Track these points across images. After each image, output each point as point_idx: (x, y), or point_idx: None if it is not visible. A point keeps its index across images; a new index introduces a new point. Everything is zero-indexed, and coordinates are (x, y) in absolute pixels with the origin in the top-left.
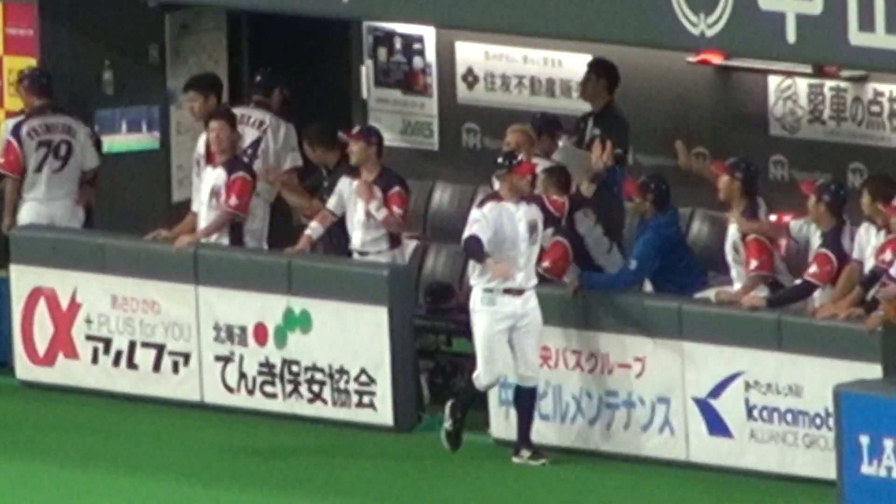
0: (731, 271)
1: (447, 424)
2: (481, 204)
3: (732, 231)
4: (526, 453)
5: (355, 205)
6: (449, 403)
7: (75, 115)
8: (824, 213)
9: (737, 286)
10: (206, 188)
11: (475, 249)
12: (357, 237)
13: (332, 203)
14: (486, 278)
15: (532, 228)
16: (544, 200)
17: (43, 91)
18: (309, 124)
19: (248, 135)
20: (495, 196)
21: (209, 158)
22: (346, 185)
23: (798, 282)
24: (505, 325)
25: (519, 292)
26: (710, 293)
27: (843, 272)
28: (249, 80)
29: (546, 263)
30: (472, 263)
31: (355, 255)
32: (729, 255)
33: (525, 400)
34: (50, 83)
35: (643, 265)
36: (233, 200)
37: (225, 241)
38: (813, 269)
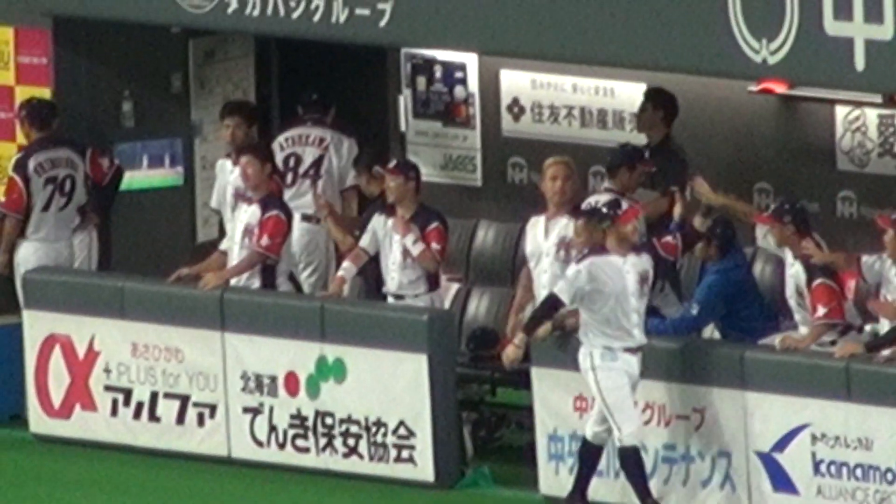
0: (794, 315)
1: None
2: (582, 258)
3: (793, 273)
4: None
5: (391, 244)
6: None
7: (75, 146)
8: None
9: (803, 330)
10: (239, 226)
11: (542, 310)
12: (393, 279)
13: (365, 241)
14: (605, 335)
15: (643, 280)
16: (656, 246)
17: (43, 123)
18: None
19: (309, 154)
20: (600, 249)
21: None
22: (379, 223)
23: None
24: (627, 379)
25: (637, 350)
26: (776, 339)
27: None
28: (304, 99)
29: None
30: (583, 320)
31: (390, 300)
32: (792, 300)
33: (592, 456)
34: (52, 113)
35: (705, 310)
36: (264, 240)
37: (256, 283)
38: None
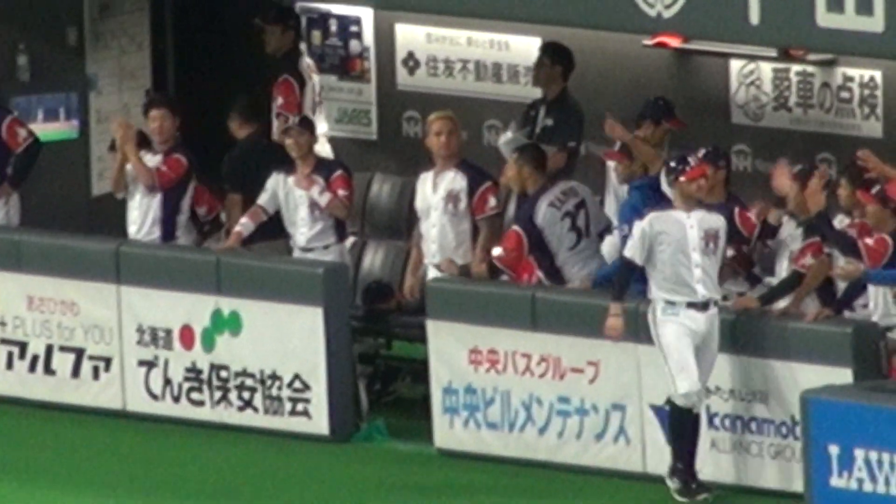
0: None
1: (675, 486)
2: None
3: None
4: (674, 484)
5: (296, 202)
6: (670, 466)
7: None
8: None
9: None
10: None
11: (622, 276)
12: (301, 235)
13: (263, 199)
14: (665, 289)
15: (709, 237)
16: (735, 214)
17: None
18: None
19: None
20: (664, 204)
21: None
22: (280, 181)
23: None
24: (690, 337)
25: (703, 306)
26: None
27: (812, 270)
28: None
29: (498, 251)
30: (648, 275)
31: (298, 254)
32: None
33: (687, 425)
34: None
35: (631, 225)
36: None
37: (156, 234)
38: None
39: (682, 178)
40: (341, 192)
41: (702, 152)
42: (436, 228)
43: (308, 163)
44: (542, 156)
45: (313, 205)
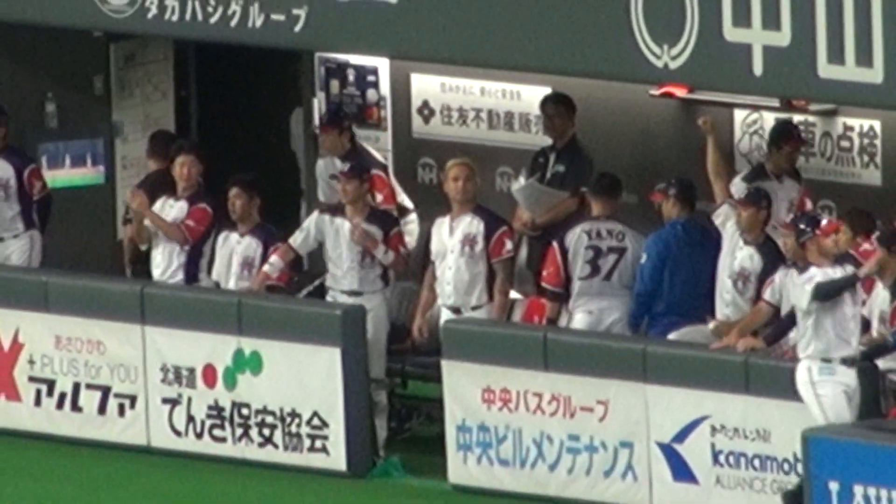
0: (724, 296)
1: None
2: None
3: (743, 257)
4: None
5: (347, 246)
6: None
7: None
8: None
9: (720, 317)
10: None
11: (783, 329)
12: (349, 280)
13: (297, 239)
14: (831, 346)
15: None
16: (855, 256)
17: None
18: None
19: None
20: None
21: None
22: (323, 222)
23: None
24: (847, 396)
25: (853, 363)
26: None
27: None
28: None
29: (544, 274)
30: (801, 333)
31: (343, 298)
32: (729, 281)
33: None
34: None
35: (638, 280)
36: (190, 222)
37: (179, 277)
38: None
39: (819, 235)
40: (403, 251)
41: (744, 193)
42: (451, 270)
43: (360, 210)
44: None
45: (367, 254)
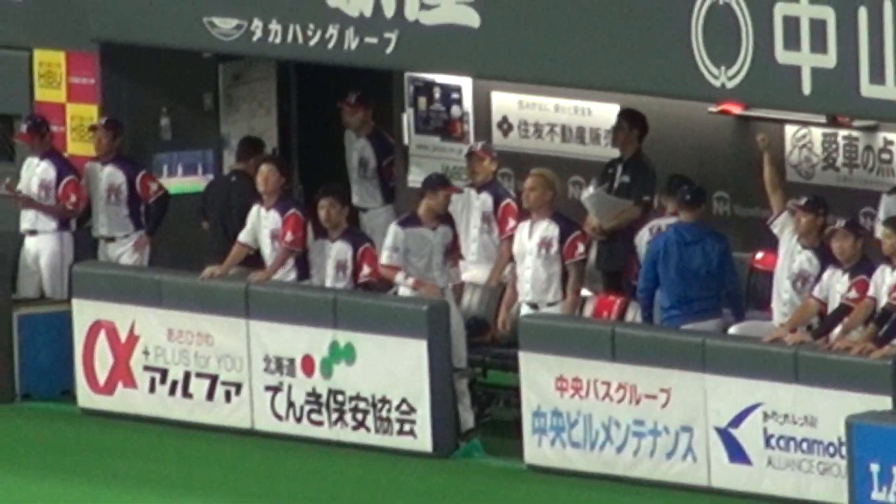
0: (781, 297)
1: None
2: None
3: (801, 260)
4: None
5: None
6: None
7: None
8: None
9: (777, 317)
10: (265, 231)
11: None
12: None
13: (393, 259)
14: None
15: None
16: None
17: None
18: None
19: None
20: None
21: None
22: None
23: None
24: None
25: None
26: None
27: (857, 307)
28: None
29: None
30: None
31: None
32: (788, 282)
33: None
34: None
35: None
36: (289, 237)
37: (292, 276)
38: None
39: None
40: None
41: (803, 200)
42: (530, 270)
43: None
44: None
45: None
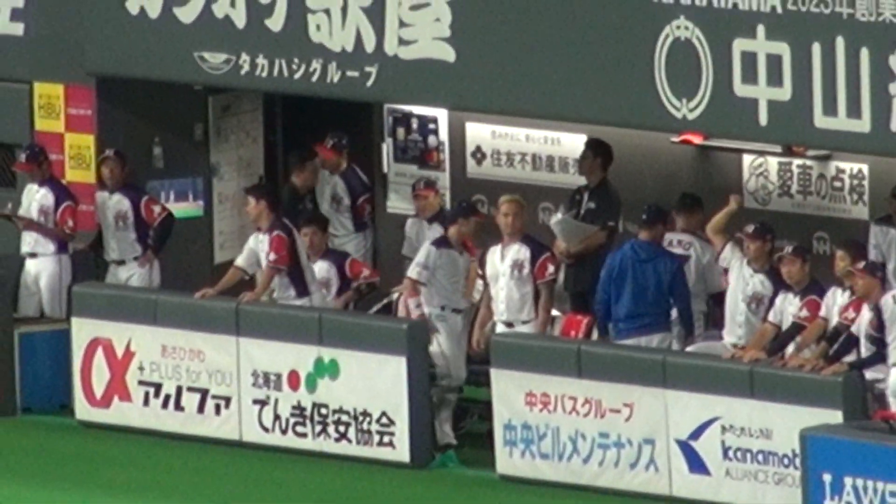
0: (736, 318)
1: None
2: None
3: (756, 282)
4: None
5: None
6: None
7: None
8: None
9: (729, 338)
10: (262, 255)
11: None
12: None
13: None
14: None
15: None
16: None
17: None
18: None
19: None
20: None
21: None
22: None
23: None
24: None
25: None
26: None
27: (809, 326)
28: (284, 156)
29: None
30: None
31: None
32: (743, 304)
33: None
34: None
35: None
36: (272, 256)
37: (292, 293)
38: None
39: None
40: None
41: (751, 228)
42: (504, 291)
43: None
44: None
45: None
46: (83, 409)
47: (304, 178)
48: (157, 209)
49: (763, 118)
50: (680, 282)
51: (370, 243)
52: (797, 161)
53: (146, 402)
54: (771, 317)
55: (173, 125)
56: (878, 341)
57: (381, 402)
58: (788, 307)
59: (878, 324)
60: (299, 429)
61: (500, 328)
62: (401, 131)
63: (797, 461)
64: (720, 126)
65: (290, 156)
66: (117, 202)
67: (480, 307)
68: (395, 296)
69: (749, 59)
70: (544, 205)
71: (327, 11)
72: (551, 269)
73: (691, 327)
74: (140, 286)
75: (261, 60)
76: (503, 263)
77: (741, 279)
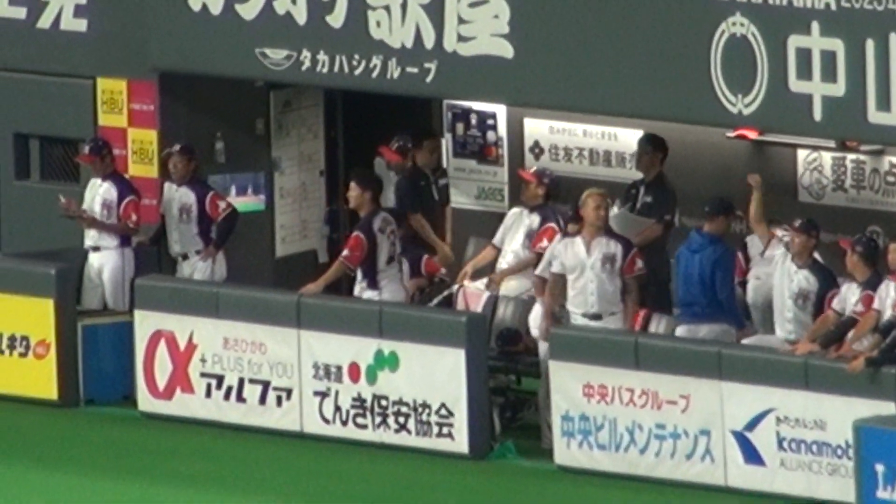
0: (785, 314)
1: None
2: None
3: (800, 278)
4: None
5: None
6: None
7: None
8: (858, 263)
9: (780, 333)
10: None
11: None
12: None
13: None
14: None
15: None
16: None
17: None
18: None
19: None
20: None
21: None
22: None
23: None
24: None
25: None
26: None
27: (862, 319)
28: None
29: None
30: None
31: (581, 320)
32: (790, 301)
33: None
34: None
35: None
36: (345, 252)
37: (365, 286)
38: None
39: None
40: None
41: (798, 222)
42: (594, 284)
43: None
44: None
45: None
46: (146, 401)
47: (424, 156)
48: (222, 205)
49: (817, 113)
50: (721, 271)
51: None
52: (851, 156)
53: (208, 393)
54: (835, 304)
55: (235, 120)
56: None
57: (440, 393)
58: (851, 297)
59: None
60: (359, 420)
61: (580, 320)
62: (460, 127)
63: (850, 452)
64: (775, 121)
65: (395, 139)
66: (183, 196)
67: (547, 296)
68: (455, 288)
69: (804, 56)
70: None
71: (387, 8)
72: (640, 263)
73: (738, 318)
74: (202, 279)
75: (321, 56)
76: (590, 257)
77: (786, 275)
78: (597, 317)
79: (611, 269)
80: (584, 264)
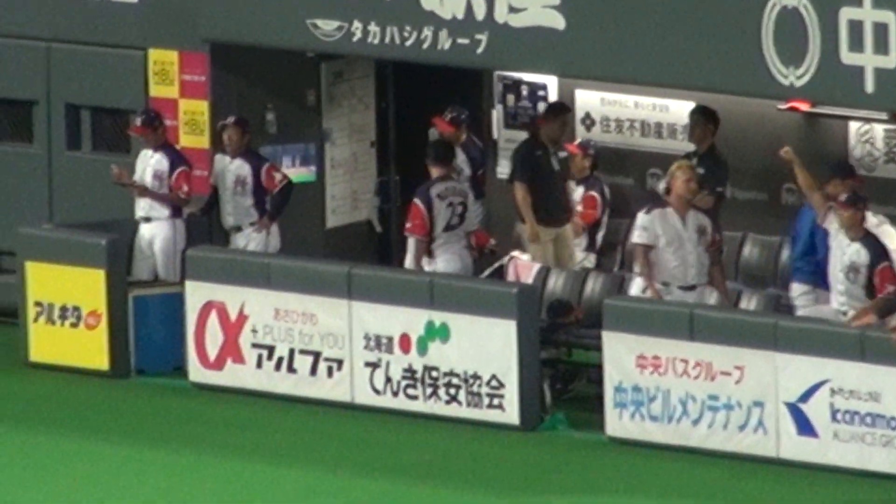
0: (837, 287)
1: None
2: None
3: (852, 252)
4: None
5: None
6: None
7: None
8: None
9: (834, 304)
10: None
11: None
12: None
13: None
14: None
15: None
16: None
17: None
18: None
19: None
20: None
21: None
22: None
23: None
24: None
25: None
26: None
27: None
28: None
29: None
30: None
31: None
32: (841, 274)
33: None
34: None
35: None
36: (407, 224)
37: (425, 258)
38: None
39: None
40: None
41: (844, 196)
42: (692, 255)
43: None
44: None
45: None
46: (196, 371)
47: (552, 129)
48: (277, 176)
49: (869, 86)
50: (817, 234)
51: (487, 210)
52: None
53: (259, 364)
54: None
55: (286, 91)
56: None
57: (491, 365)
58: None
59: None
60: (410, 391)
61: (676, 294)
62: (511, 98)
63: None
64: (827, 93)
65: (448, 110)
66: (238, 167)
67: (648, 267)
68: (506, 259)
69: (855, 28)
70: (652, 171)
71: None
72: (719, 235)
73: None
74: (254, 251)
75: (373, 28)
76: (687, 230)
77: (839, 248)
78: (691, 288)
79: (703, 240)
80: (682, 236)
